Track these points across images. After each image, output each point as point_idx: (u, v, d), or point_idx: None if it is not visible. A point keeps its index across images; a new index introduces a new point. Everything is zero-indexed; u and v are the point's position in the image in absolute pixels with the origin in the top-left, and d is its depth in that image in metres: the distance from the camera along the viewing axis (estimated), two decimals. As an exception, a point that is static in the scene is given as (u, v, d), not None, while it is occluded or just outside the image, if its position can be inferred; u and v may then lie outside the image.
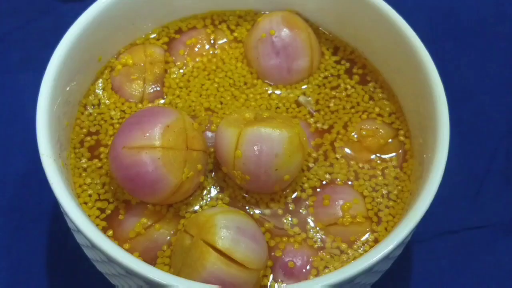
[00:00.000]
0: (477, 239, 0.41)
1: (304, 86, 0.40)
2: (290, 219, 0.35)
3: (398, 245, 0.30)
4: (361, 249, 0.34)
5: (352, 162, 0.37)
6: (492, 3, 0.53)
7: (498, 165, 0.44)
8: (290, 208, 0.35)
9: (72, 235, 0.34)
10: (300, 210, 0.35)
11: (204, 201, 0.35)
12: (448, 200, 0.42)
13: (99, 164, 0.36)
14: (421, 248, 0.41)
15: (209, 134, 0.37)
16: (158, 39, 0.42)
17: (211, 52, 0.41)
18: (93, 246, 0.29)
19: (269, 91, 0.40)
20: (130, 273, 0.28)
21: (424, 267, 0.40)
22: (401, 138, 0.38)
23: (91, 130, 0.37)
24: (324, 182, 0.36)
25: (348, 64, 0.41)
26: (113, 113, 0.38)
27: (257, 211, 0.35)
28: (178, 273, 0.31)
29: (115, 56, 0.40)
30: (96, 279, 0.37)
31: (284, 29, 0.39)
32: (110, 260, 0.29)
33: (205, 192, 0.35)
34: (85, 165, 0.36)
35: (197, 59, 0.41)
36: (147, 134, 0.32)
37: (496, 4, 0.53)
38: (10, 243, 0.40)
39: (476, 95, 0.47)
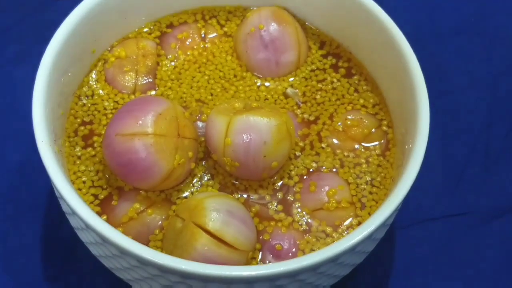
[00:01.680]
0: (458, 226, 0.43)
1: (292, 79, 0.41)
2: (277, 204, 0.36)
3: (379, 226, 0.31)
4: (345, 232, 0.35)
5: (337, 151, 0.38)
6: (473, 3, 0.55)
7: (477, 155, 0.46)
8: (278, 194, 0.36)
9: (66, 222, 0.35)
10: (288, 196, 0.36)
11: (195, 187, 0.36)
12: (430, 188, 0.43)
13: (93, 153, 0.37)
14: (403, 234, 0.42)
15: (199, 124, 0.38)
16: (150, 33, 0.43)
17: (201, 46, 0.43)
18: (88, 227, 0.30)
19: (258, 83, 0.41)
20: (123, 253, 0.30)
21: (407, 252, 0.42)
22: (384, 128, 0.40)
23: (85, 120, 0.39)
24: (310, 170, 0.37)
25: (334, 60, 0.42)
26: (106, 103, 0.39)
27: (246, 196, 0.36)
28: (169, 254, 0.32)
29: (108, 49, 0.41)
30: (91, 265, 0.38)
31: (273, 24, 0.41)
32: (104, 241, 0.30)
33: (195, 179, 0.37)
34: (79, 153, 0.37)
35: (188, 53, 0.42)
36: (140, 122, 0.33)
37: (477, 4, 0.55)
38: (6, 231, 0.41)
39: (458, 89, 0.49)
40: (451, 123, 0.47)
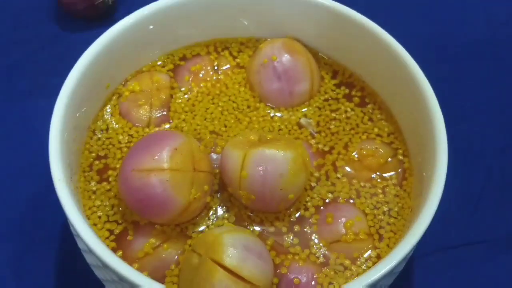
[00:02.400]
0: (475, 254, 0.42)
1: (305, 109, 0.41)
2: (294, 237, 0.36)
3: (401, 261, 0.31)
4: (364, 265, 0.35)
5: (353, 181, 0.38)
6: (485, 28, 0.55)
7: (493, 182, 0.45)
8: (294, 226, 0.36)
9: (81, 255, 0.35)
10: (304, 229, 0.36)
11: (211, 220, 0.36)
12: (447, 216, 0.42)
13: (108, 187, 0.37)
14: (420, 263, 0.41)
15: (214, 156, 0.38)
16: (163, 66, 0.43)
17: (214, 78, 0.43)
18: (104, 266, 0.30)
19: (272, 114, 0.41)
20: (141, 292, 0.29)
21: (424, 282, 0.41)
22: (400, 157, 0.39)
23: (99, 154, 0.39)
24: (327, 201, 0.37)
25: (347, 90, 0.42)
26: (121, 137, 0.39)
27: (262, 230, 0.36)
28: (187, 291, 0.32)
29: (123, 83, 0.42)
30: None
31: (285, 55, 0.41)
32: (121, 279, 0.30)
33: (211, 212, 0.36)
34: (94, 188, 0.37)
35: (202, 85, 0.42)
36: (156, 157, 0.33)
37: (488, 29, 0.55)
38: (20, 265, 0.41)
39: (471, 115, 0.49)
40: (465, 149, 0.47)
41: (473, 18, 0.56)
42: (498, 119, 0.49)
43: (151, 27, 0.41)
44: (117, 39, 0.39)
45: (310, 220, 0.36)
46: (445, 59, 0.53)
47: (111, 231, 0.35)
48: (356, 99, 0.42)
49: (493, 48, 0.54)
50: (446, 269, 0.42)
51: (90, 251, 0.30)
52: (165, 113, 0.41)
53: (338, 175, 0.38)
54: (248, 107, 0.41)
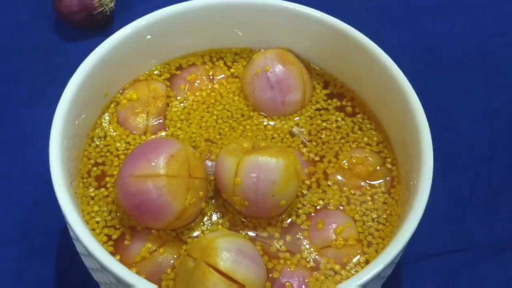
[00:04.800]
0: (462, 261, 0.43)
1: (297, 118, 0.43)
2: (286, 242, 0.37)
3: (387, 265, 0.32)
4: (354, 270, 0.36)
5: (344, 188, 0.39)
6: (473, 40, 0.57)
7: (480, 190, 0.47)
8: (286, 232, 0.37)
9: (78, 259, 0.36)
10: (296, 234, 0.37)
11: (206, 226, 0.37)
12: (434, 223, 0.44)
13: (106, 193, 0.38)
14: (408, 269, 0.43)
15: (209, 163, 0.40)
16: (160, 75, 0.44)
17: (209, 87, 0.44)
18: (103, 268, 0.31)
19: (265, 123, 0.43)
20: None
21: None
22: (388, 165, 0.41)
23: (97, 161, 0.40)
24: (317, 207, 0.38)
25: (338, 103, 0.44)
26: (118, 144, 0.41)
27: (255, 235, 0.37)
28: (182, 294, 0.33)
29: (120, 92, 0.43)
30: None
31: (278, 65, 0.42)
32: (119, 281, 0.31)
33: (206, 217, 0.38)
34: (92, 194, 0.38)
35: (197, 94, 0.44)
36: (153, 164, 0.34)
37: (475, 40, 0.57)
38: (20, 268, 0.42)
39: (459, 123, 0.50)
40: (453, 158, 0.48)
41: (460, 30, 0.57)
42: (485, 129, 0.50)
43: (148, 37, 0.42)
44: (115, 49, 0.40)
45: (302, 226, 0.38)
46: (434, 69, 0.54)
47: (109, 236, 0.36)
48: (347, 109, 0.43)
49: (480, 59, 0.55)
50: (433, 276, 0.43)
51: (89, 254, 0.31)
52: (161, 121, 0.42)
53: (329, 183, 0.40)
54: (242, 115, 0.43)
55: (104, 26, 0.56)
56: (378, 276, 0.32)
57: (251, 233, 0.37)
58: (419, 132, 0.37)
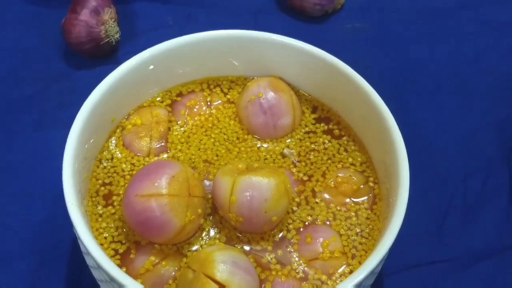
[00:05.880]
0: (439, 272, 0.46)
1: (288, 140, 0.46)
2: (277, 255, 0.40)
3: (368, 275, 0.35)
4: (339, 280, 0.39)
5: (330, 205, 0.43)
6: (452, 65, 0.60)
7: (456, 206, 0.50)
8: (278, 245, 0.41)
9: (88, 271, 0.40)
10: (287, 248, 0.41)
11: (204, 240, 0.41)
12: (414, 236, 0.47)
13: (113, 211, 0.42)
14: (389, 281, 0.45)
15: (207, 182, 0.43)
16: (162, 102, 0.48)
17: (207, 112, 0.48)
18: (112, 280, 0.34)
19: (258, 145, 0.46)
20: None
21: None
22: (371, 184, 0.44)
23: (105, 181, 0.43)
24: (306, 223, 0.42)
25: (326, 127, 0.47)
26: (124, 166, 0.44)
27: (249, 248, 0.40)
28: (182, 302, 0.36)
29: (126, 117, 0.47)
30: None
31: (270, 92, 0.46)
32: (126, 292, 0.34)
33: (204, 233, 0.41)
34: (100, 212, 0.42)
35: (196, 118, 0.47)
36: (156, 184, 0.38)
37: (455, 66, 0.60)
38: (33, 280, 0.45)
39: (437, 143, 0.54)
40: (431, 176, 0.51)
41: (440, 56, 0.61)
42: (461, 149, 0.53)
43: (151, 67, 0.46)
44: (121, 79, 0.44)
45: (292, 240, 0.41)
46: (414, 93, 0.57)
47: (116, 250, 0.40)
48: (334, 132, 0.47)
49: (459, 84, 0.59)
50: (414, 285, 0.46)
51: (98, 267, 0.35)
52: (163, 144, 0.46)
53: (317, 200, 0.43)
54: (238, 138, 0.46)
55: (110, 55, 0.58)
56: (359, 285, 0.35)
57: (246, 247, 0.40)
58: (397, 154, 0.40)
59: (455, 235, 0.48)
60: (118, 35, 0.57)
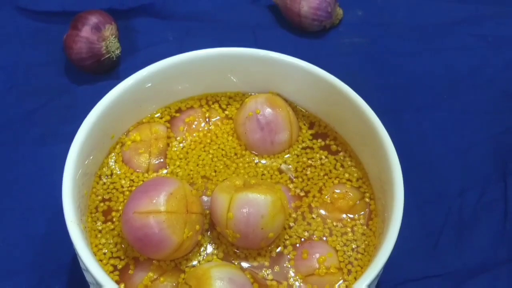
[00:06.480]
0: (436, 286, 0.47)
1: (286, 156, 0.47)
2: (274, 271, 0.41)
3: (363, 291, 0.36)
4: (335, 295, 0.40)
5: (327, 221, 0.43)
6: (446, 80, 0.61)
7: (452, 222, 0.50)
8: (274, 261, 0.41)
9: (87, 287, 0.40)
10: (283, 263, 0.41)
11: (202, 256, 0.41)
12: (410, 251, 0.48)
13: (112, 226, 0.42)
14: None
15: (205, 198, 0.44)
16: (161, 118, 0.49)
17: (206, 128, 0.48)
18: (110, 297, 0.35)
19: (256, 161, 0.47)
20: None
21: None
22: (367, 200, 0.45)
23: (105, 197, 0.44)
24: (302, 239, 0.42)
25: (323, 143, 0.48)
26: (123, 182, 0.45)
27: (246, 264, 0.41)
28: (180, 319, 0.37)
29: (125, 134, 0.47)
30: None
31: (267, 109, 0.46)
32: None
33: (202, 248, 0.42)
34: (100, 227, 0.42)
35: (194, 134, 0.48)
36: (154, 201, 0.38)
37: (450, 81, 0.61)
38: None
39: (432, 159, 0.54)
40: (427, 192, 0.52)
41: (437, 71, 0.61)
42: (456, 164, 0.54)
43: (150, 85, 0.46)
44: (121, 96, 0.45)
45: (288, 256, 0.42)
46: (410, 109, 0.58)
47: (114, 266, 0.40)
48: (331, 147, 0.48)
49: (456, 99, 0.59)
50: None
51: (97, 284, 0.36)
52: (162, 160, 0.46)
53: (313, 216, 0.44)
54: (235, 154, 0.47)
55: (111, 70, 0.59)
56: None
57: (243, 263, 0.41)
58: (392, 170, 0.41)
59: (451, 249, 0.49)
60: (119, 50, 0.58)
